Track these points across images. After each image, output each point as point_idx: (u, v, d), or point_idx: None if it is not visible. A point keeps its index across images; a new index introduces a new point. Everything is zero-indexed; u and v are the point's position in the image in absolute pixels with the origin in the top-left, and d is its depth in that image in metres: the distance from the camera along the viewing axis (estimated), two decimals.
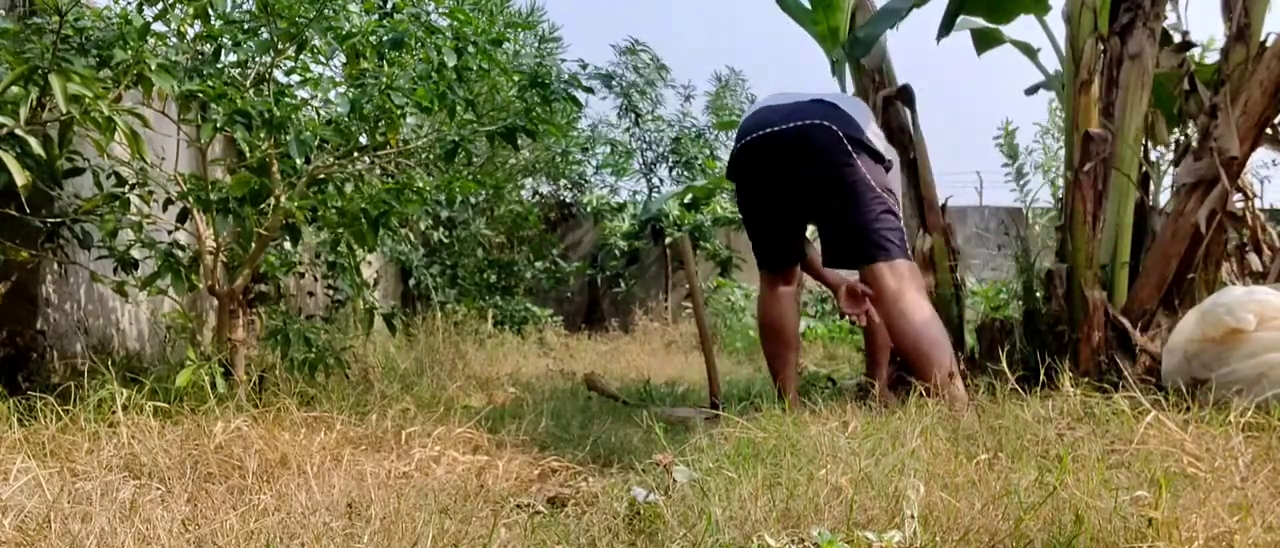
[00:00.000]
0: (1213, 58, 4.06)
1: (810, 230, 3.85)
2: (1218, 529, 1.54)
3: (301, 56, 3.32)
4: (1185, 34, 4.08)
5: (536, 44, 9.54)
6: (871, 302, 3.53)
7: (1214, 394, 2.76)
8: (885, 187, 3.40)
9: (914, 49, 5.25)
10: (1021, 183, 7.52)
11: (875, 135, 3.49)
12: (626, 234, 9.64)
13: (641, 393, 4.46)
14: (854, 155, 3.33)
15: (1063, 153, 4.14)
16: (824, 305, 8.49)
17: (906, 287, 3.27)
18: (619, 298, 9.75)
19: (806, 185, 3.45)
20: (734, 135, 3.76)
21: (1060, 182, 6.00)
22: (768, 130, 3.47)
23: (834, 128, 3.35)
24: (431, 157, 4.13)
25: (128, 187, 3.10)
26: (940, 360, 3.09)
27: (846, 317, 3.82)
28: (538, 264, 8.47)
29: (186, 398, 2.68)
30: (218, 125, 2.90)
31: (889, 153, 3.56)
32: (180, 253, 3.17)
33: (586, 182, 10.09)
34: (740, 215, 3.83)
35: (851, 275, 3.75)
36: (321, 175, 3.28)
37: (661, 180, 10.19)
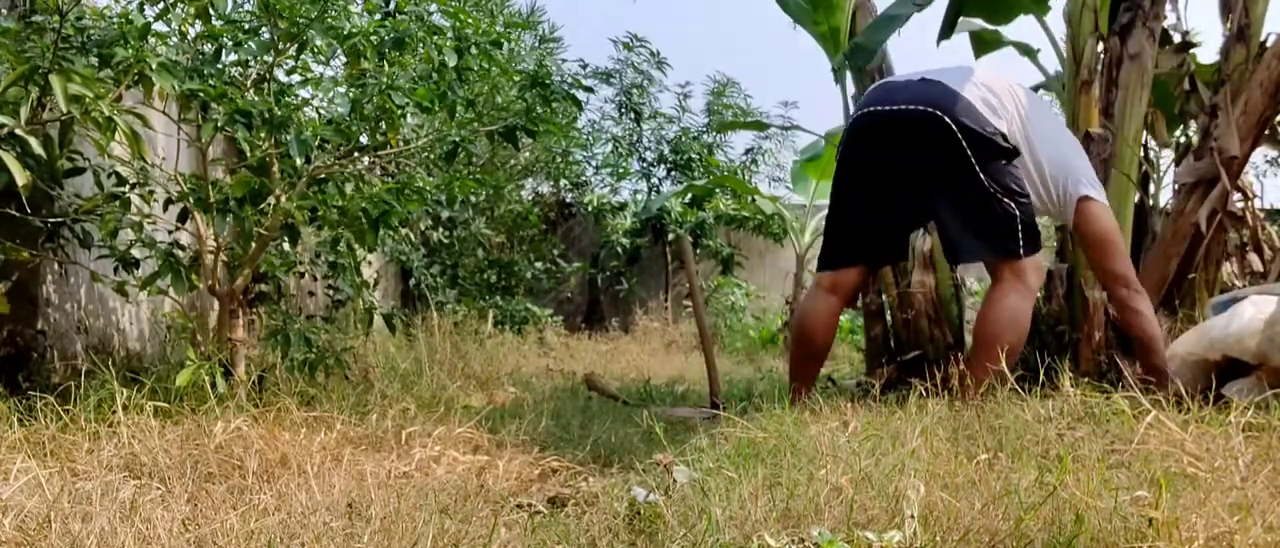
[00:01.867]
0: (1211, 58, 4.07)
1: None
2: (1218, 529, 1.54)
3: (302, 56, 3.32)
4: (1185, 34, 4.08)
5: (537, 44, 9.54)
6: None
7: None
8: (1001, 182, 3.19)
9: (914, 49, 5.25)
10: None
11: (987, 109, 3.22)
12: (628, 232, 9.64)
13: (641, 393, 4.46)
14: (965, 148, 3.14)
15: None
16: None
17: (1006, 289, 3.20)
18: (619, 297, 9.75)
19: (910, 180, 3.29)
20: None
21: None
22: (878, 108, 3.28)
23: (944, 116, 3.13)
24: (432, 156, 4.13)
25: (128, 186, 3.10)
26: (990, 357, 2.96)
27: None
28: (538, 264, 8.47)
29: (186, 398, 2.68)
30: (218, 125, 2.90)
31: (1010, 126, 3.26)
32: (180, 253, 3.17)
33: (586, 181, 10.09)
34: (829, 199, 3.60)
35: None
36: (322, 175, 3.28)
37: (660, 180, 10.19)
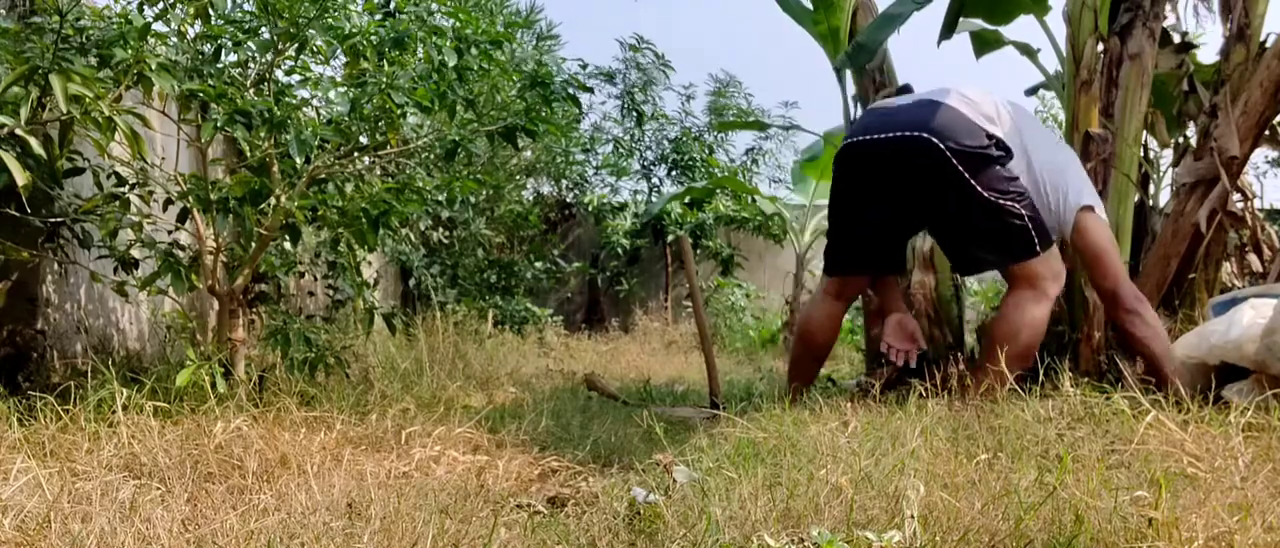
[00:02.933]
0: (1212, 58, 4.07)
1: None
2: (1218, 529, 1.54)
3: (302, 56, 3.32)
4: (1185, 34, 4.08)
5: (534, 42, 9.53)
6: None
7: None
8: (998, 187, 3.19)
9: (914, 49, 5.25)
10: None
11: (981, 117, 3.26)
12: (628, 232, 9.64)
13: (641, 393, 4.46)
14: (959, 168, 3.15)
15: None
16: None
17: (1023, 296, 3.20)
18: (619, 298, 9.75)
19: (908, 201, 3.33)
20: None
21: None
22: (867, 137, 3.32)
23: (934, 141, 3.16)
24: (432, 156, 4.13)
25: (128, 186, 3.10)
26: (1007, 354, 3.00)
27: (888, 351, 3.59)
28: (538, 264, 8.47)
29: (186, 398, 2.68)
30: (218, 125, 2.90)
31: (1007, 134, 3.29)
32: (180, 253, 3.17)
33: (587, 182, 10.09)
34: (827, 212, 3.69)
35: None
36: (322, 175, 3.28)
37: (661, 180, 10.19)
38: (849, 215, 3.51)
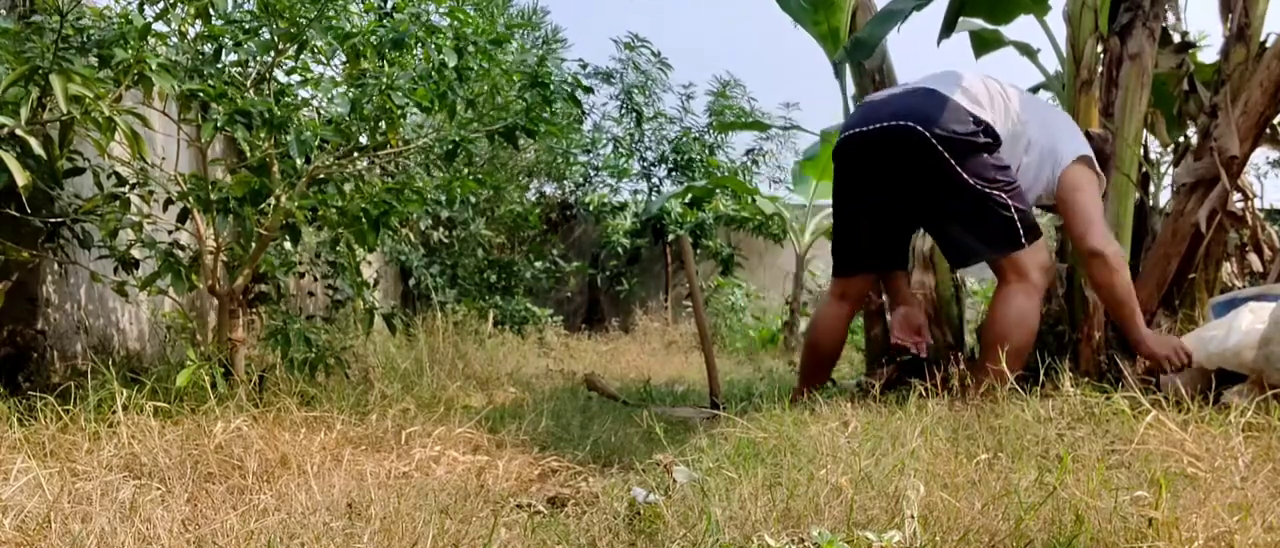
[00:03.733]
0: (1212, 58, 4.07)
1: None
2: (1218, 529, 1.54)
3: (302, 56, 3.32)
4: (1185, 34, 4.08)
5: (541, 45, 9.53)
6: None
7: None
8: (985, 176, 3.20)
9: (914, 49, 5.25)
10: None
11: (971, 102, 3.26)
12: (628, 232, 9.64)
13: (641, 393, 4.46)
14: (944, 155, 3.17)
15: None
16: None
17: (1012, 289, 3.22)
18: (619, 298, 9.75)
19: (901, 192, 3.35)
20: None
21: None
22: (858, 130, 3.35)
23: (919, 128, 3.18)
24: (432, 156, 4.13)
25: (128, 187, 3.10)
26: (1004, 354, 2.99)
27: (896, 343, 3.64)
28: (538, 264, 8.47)
29: (186, 398, 2.68)
30: (218, 125, 2.90)
31: (997, 119, 3.30)
32: (180, 253, 3.17)
33: (589, 182, 10.09)
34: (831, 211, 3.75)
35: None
36: (322, 175, 3.28)
37: (661, 180, 10.19)
38: (849, 211, 3.54)
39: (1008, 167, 3.27)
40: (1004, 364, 2.83)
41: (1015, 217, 3.21)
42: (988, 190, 3.19)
